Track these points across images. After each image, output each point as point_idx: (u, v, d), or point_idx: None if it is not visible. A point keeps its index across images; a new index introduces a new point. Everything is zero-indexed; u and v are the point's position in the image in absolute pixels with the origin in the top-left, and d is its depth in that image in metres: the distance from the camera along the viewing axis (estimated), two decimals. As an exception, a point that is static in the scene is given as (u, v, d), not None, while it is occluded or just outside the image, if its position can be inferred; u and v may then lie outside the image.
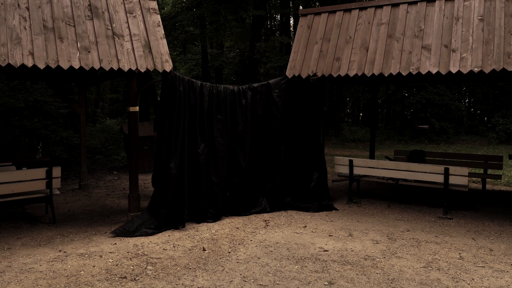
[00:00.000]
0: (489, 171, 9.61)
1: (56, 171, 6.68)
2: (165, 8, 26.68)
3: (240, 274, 4.62)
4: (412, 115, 24.66)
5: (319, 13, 7.37)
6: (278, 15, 27.11)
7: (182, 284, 4.39)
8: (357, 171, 8.00)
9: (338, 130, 24.01)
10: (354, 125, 29.83)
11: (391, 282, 4.44)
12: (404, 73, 6.29)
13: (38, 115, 11.25)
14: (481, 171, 9.73)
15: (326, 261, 5.03)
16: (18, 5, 5.41)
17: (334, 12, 7.23)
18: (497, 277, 4.61)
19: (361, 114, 35.17)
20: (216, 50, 26.49)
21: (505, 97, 8.95)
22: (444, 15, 6.34)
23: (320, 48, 7.12)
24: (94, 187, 9.77)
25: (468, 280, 4.52)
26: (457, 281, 4.49)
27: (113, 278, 4.53)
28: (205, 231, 6.26)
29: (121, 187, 9.84)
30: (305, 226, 6.48)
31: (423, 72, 6.16)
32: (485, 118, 29.50)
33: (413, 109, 24.39)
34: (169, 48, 24.35)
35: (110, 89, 30.82)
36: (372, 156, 10.23)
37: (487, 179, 9.90)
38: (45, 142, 11.01)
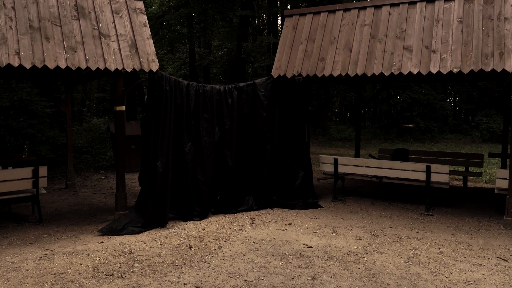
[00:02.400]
0: (471, 169, 9.85)
1: (43, 171, 6.69)
2: (153, 7, 26.61)
3: (226, 270, 4.71)
4: (398, 114, 25.01)
5: (304, 14, 7.49)
6: (266, 14, 27.23)
7: (169, 280, 4.46)
8: (341, 169, 8.15)
9: (325, 129, 24.22)
10: (342, 124, 30.13)
11: (372, 277, 4.58)
12: (386, 74, 6.44)
13: (24, 115, 11.18)
14: (463, 169, 9.96)
15: (310, 257, 5.15)
16: (4, 5, 5.42)
17: (319, 13, 7.35)
18: (474, 271, 4.78)
19: (348, 113, 35.55)
20: (204, 49, 26.50)
21: (486, 97, 9.20)
22: (425, 17, 6.51)
23: (305, 49, 7.24)
24: (81, 187, 9.76)
25: (447, 274, 4.68)
26: (436, 275, 4.65)
27: (100, 276, 4.59)
28: (192, 229, 6.33)
29: (108, 186, 9.85)
30: (290, 223, 6.60)
31: (405, 73, 6.31)
32: (470, 117, 30.04)
33: (399, 108, 24.73)
34: (156, 47, 24.30)
35: (97, 88, 30.62)
36: (357, 155, 10.40)
37: (469, 177, 10.15)
38: (31, 141, 10.94)
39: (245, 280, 4.46)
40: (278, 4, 23.93)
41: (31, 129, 11.03)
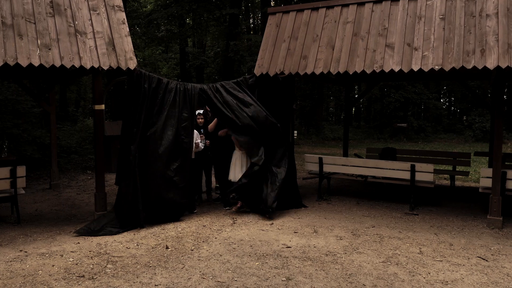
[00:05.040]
0: (458, 168, 9.79)
1: (21, 171, 6.58)
2: (148, 7, 26.47)
3: (200, 271, 4.62)
4: (392, 114, 24.97)
5: (288, 12, 7.40)
6: (259, 13, 27.15)
7: (140, 282, 4.37)
8: (327, 168, 8.06)
9: (319, 129, 24.16)
10: (337, 124, 30.08)
11: (348, 277, 4.50)
12: (368, 71, 6.36)
13: (9, 114, 11.05)
14: (451, 168, 9.89)
15: (288, 257, 5.06)
16: (-24, 1, 5.32)
17: (302, 10, 7.27)
18: (453, 271, 4.70)
19: (343, 113, 35.53)
20: (197, 49, 26.38)
21: (475, 96, 9.13)
22: (407, 14, 6.43)
23: (287, 47, 7.15)
24: (65, 187, 9.65)
25: (424, 274, 4.60)
26: (413, 275, 4.57)
27: (71, 277, 4.49)
28: (172, 229, 6.24)
29: (93, 186, 9.73)
30: (272, 223, 6.51)
31: (386, 70, 6.24)
32: (464, 117, 30.06)
33: (392, 108, 24.69)
34: (147, 47, 24.16)
35: (92, 88, 30.34)
36: (345, 154, 10.32)
37: (459, 176, 10.08)
38: (16, 141, 10.81)
39: (218, 281, 4.37)
40: (272, 4, 23.85)
41: (17, 129, 10.91)
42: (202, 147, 7.34)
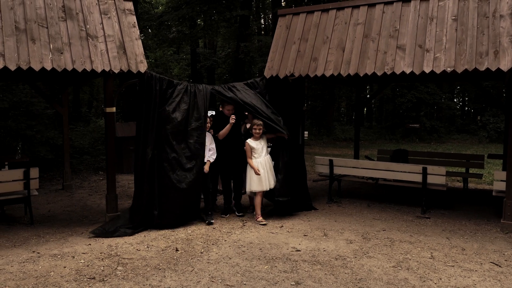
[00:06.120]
0: (471, 170, 9.65)
1: (34, 172, 6.67)
2: (160, 8, 26.66)
3: (209, 275, 4.63)
4: (404, 114, 24.74)
5: (298, 13, 7.38)
6: (270, 14, 27.13)
7: (150, 284, 4.39)
8: (337, 170, 8.02)
9: (330, 129, 24.06)
10: (348, 125, 29.91)
11: (358, 282, 4.46)
12: (379, 73, 6.31)
13: (23, 116, 11.21)
14: (464, 170, 9.76)
15: (297, 261, 5.04)
16: (-10, 6, 5.41)
17: (312, 12, 7.24)
18: (465, 276, 4.63)
19: (354, 113, 35.31)
20: (208, 50, 26.47)
21: (489, 96, 9.00)
22: (419, 15, 6.37)
23: (297, 48, 7.13)
24: (78, 188, 9.76)
25: (436, 280, 4.54)
26: (424, 281, 4.51)
27: (82, 279, 4.54)
28: (181, 231, 6.26)
29: (105, 187, 9.79)
30: (282, 226, 6.50)
31: (398, 72, 6.18)
32: (478, 117, 29.64)
33: (404, 108, 24.45)
34: (159, 48, 24.34)
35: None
36: (356, 156, 10.26)
37: (471, 178, 9.95)
38: (30, 142, 10.97)
39: (227, 285, 4.37)
40: (283, 3, 23.82)
41: (30, 130, 11.06)
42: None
